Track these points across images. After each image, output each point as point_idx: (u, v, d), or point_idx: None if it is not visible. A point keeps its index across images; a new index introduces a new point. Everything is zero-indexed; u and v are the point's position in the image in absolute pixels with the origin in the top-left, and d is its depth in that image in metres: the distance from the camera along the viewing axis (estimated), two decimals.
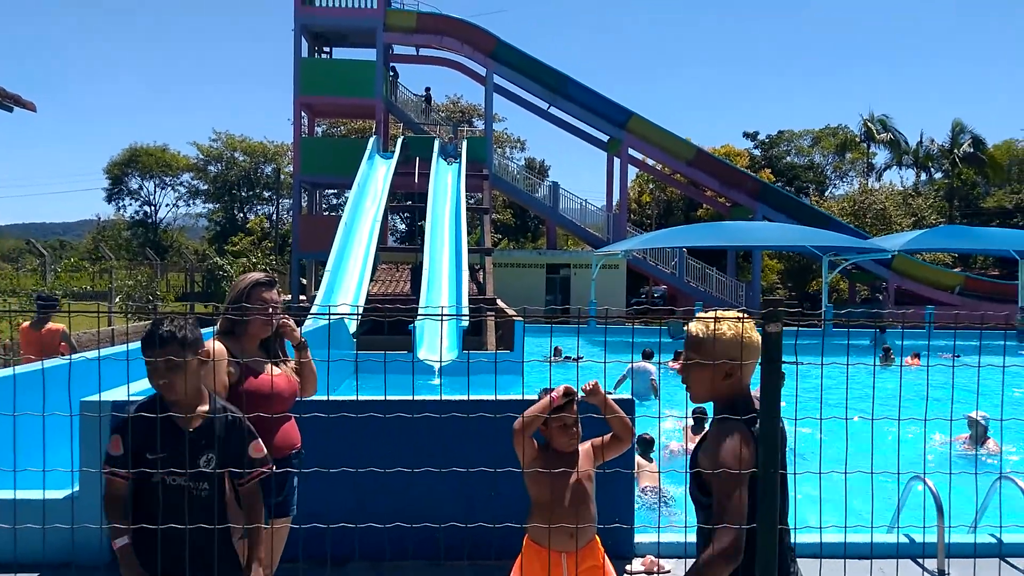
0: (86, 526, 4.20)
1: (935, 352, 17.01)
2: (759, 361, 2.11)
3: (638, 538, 4.61)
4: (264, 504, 2.84)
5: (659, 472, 6.59)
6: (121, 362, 5.21)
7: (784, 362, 2.07)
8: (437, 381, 11.48)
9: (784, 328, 2.05)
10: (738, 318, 2.24)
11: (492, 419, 3.18)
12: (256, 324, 2.93)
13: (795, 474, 2.30)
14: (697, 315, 2.29)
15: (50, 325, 7.17)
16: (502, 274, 25.70)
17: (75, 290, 22.59)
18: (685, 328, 2.32)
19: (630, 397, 4.70)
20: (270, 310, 2.95)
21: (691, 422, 7.75)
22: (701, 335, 2.24)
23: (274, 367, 2.99)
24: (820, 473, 2.47)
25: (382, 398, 3.91)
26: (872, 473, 2.54)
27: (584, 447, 2.99)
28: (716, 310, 2.27)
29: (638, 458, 8.10)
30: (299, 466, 3.04)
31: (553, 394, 2.90)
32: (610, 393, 3.31)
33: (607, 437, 2.98)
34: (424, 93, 31.94)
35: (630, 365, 10.64)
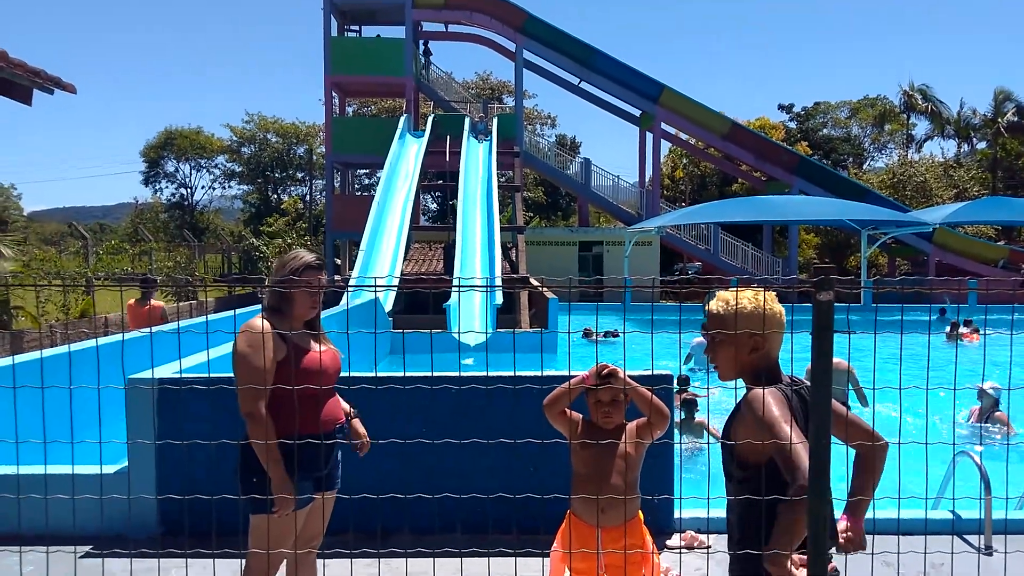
0: (143, 496, 4.34)
1: (990, 326, 16.70)
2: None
3: (679, 513, 4.58)
4: (312, 477, 2.91)
5: (707, 442, 6.51)
6: (166, 341, 5.34)
7: (837, 331, 1.97)
8: (469, 360, 11.52)
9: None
10: (757, 293, 2.21)
11: (538, 393, 3.18)
12: (302, 307, 2.95)
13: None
14: (716, 292, 2.27)
15: (152, 302, 8.30)
16: (534, 252, 25.63)
17: (116, 272, 23.03)
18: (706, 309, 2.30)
19: (667, 373, 4.60)
20: (314, 295, 2.96)
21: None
22: (721, 312, 2.21)
23: (320, 344, 3.03)
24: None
25: (428, 374, 3.90)
26: (927, 444, 2.50)
27: (631, 425, 2.98)
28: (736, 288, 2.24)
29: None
30: (344, 439, 3.09)
31: (584, 373, 2.89)
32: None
33: (643, 420, 2.95)
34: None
35: (694, 341, 10.77)
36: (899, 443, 2.61)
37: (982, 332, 15.17)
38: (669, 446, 4.39)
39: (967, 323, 15.85)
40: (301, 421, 2.81)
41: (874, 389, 2.56)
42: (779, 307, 2.18)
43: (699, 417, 7.11)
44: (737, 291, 2.21)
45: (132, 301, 8.58)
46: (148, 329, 5.50)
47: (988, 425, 7.75)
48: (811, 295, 1.93)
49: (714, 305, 2.23)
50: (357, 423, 3.20)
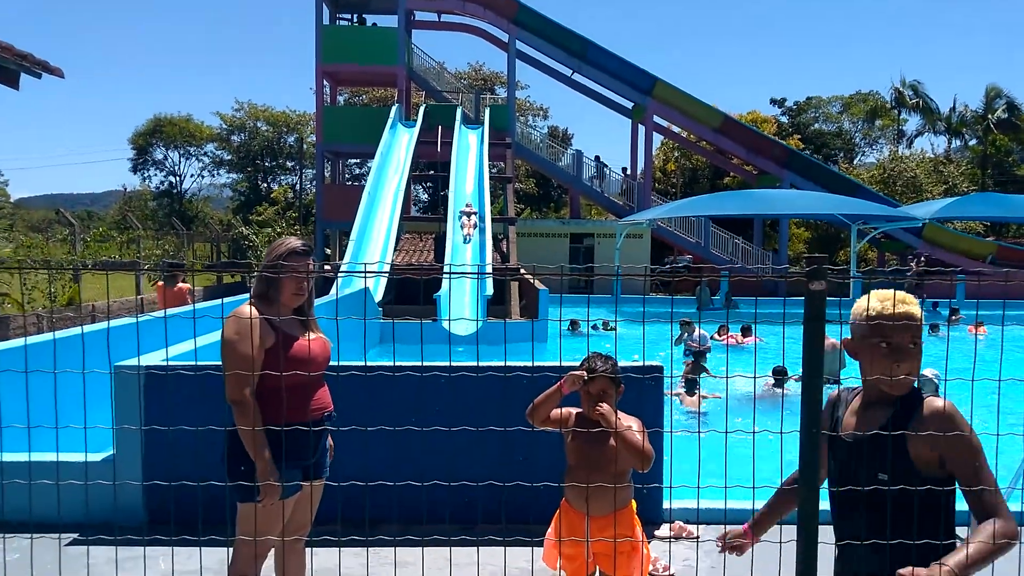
0: (128, 483, 4.33)
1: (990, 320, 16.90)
2: (806, 320, 2.00)
3: (668, 503, 4.59)
4: (300, 466, 2.90)
5: (699, 432, 6.61)
6: (154, 329, 5.28)
7: (829, 321, 1.96)
8: (461, 349, 11.50)
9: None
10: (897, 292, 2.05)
11: (528, 383, 3.16)
12: (287, 293, 2.93)
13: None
14: (877, 293, 2.06)
15: (180, 284, 8.98)
16: (525, 244, 25.60)
17: (103, 259, 22.85)
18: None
19: (658, 364, 4.65)
20: (301, 281, 2.94)
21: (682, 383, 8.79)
22: (916, 313, 2.01)
23: (309, 331, 3.01)
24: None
25: (419, 363, 3.86)
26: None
27: (627, 420, 2.95)
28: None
29: (682, 394, 8.98)
30: (332, 427, 3.09)
31: (563, 382, 2.86)
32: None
33: (630, 432, 2.88)
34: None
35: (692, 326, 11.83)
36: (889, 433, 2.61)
37: (975, 326, 15.41)
38: (659, 435, 4.36)
39: (954, 311, 16.30)
40: (289, 409, 2.79)
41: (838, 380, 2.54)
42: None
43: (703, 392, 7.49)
44: (894, 292, 2.05)
45: (160, 283, 9.41)
46: (164, 311, 5.80)
47: None
48: (803, 284, 1.89)
49: (911, 308, 2.02)
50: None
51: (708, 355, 11.42)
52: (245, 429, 2.73)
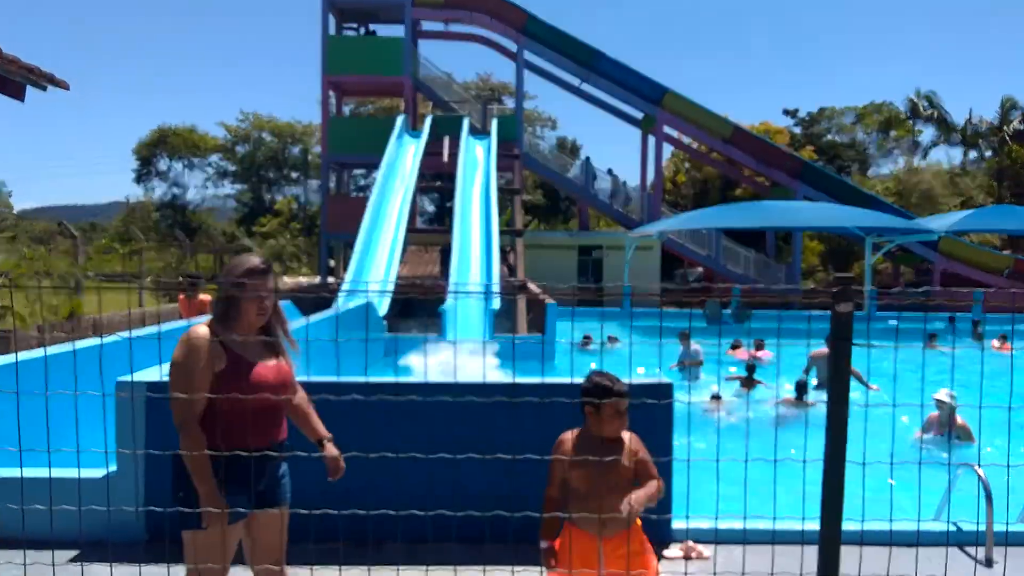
0: (123, 509, 4.31)
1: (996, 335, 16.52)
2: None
3: (677, 523, 4.52)
4: (244, 493, 2.82)
5: (716, 460, 6.43)
6: (149, 343, 5.19)
7: (855, 344, 2.01)
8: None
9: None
10: None
11: (537, 403, 3.21)
12: (251, 314, 2.85)
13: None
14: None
15: (201, 296, 9.21)
16: (533, 256, 25.23)
17: (106, 271, 22.60)
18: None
19: (668, 381, 4.61)
20: (262, 300, 2.85)
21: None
22: None
23: (268, 358, 2.92)
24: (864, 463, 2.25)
25: (422, 381, 3.80)
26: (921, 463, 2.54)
27: (629, 436, 2.95)
28: None
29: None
30: (284, 453, 3.00)
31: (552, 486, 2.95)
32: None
33: (641, 458, 2.95)
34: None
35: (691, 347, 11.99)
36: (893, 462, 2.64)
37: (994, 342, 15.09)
38: (667, 455, 4.30)
39: (975, 323, 16.74)
40: (235, 435, 2.76)
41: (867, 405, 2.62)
42: None
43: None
44: None
45: (182, 295, 9.72)
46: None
47: (955, 438, 7.59)
48: (829, 305, 1.94)
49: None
50: (330, 446, 3.08)
51: (702, 368, 12.04)
52: (188, 454, 2.71)
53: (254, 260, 2.90)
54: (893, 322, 17.57)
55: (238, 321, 2.85)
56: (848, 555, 2.60)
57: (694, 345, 12.02)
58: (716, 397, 9.32)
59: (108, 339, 6.01)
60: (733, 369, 11.28)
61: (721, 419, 8.89)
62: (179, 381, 2.76)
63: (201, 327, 2.82)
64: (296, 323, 10.14)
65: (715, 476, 2.36)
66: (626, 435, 2.95)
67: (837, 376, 1.92)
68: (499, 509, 2.92)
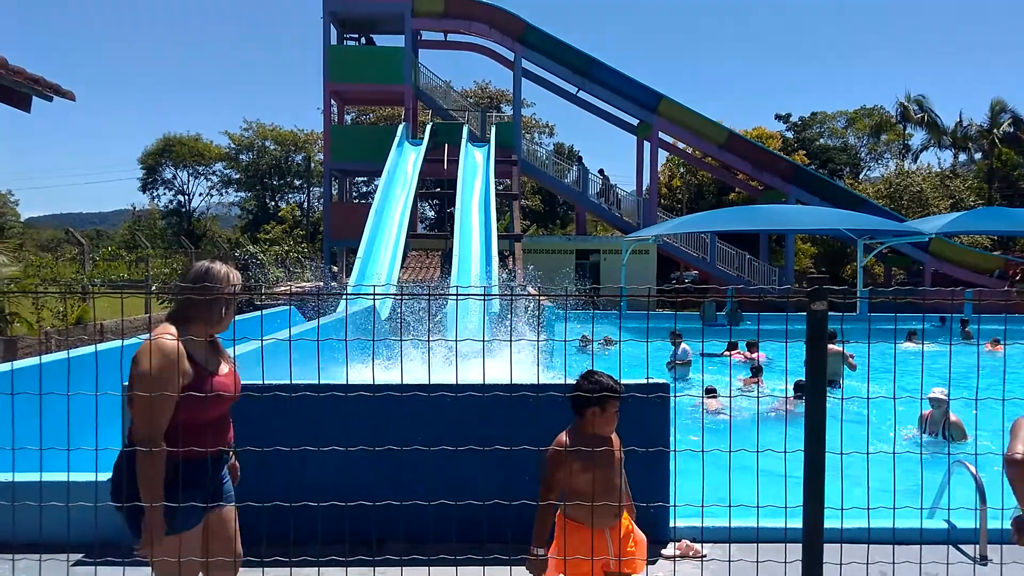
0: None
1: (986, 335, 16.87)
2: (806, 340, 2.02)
3: (674, 522, 4.55)
4: (196, 496, 2.70)
5: (701, 450, 6.69)
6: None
7: (837, 342, 2.07)
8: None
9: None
10: None
11: (534, 401, 3.16)
12: (217, 319, 2.80)
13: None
14: None
15: None
16: (532, 260, 25.60)
17: (112, 279, 22.96)
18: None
19: (664, 382, 4.65)
20: (229, 303, 2.82)
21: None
22: None
23: (222, 365, 2.87)
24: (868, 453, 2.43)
25: (425, 382, 3.85)
26: (921, 453, 2.49)
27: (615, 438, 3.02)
28: None
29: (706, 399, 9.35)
30: (226, 461, 2.95)
31: (542, 536, 2.91)
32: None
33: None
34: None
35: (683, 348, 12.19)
36: (894, 453, 2.64)
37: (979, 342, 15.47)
38: (664, 455, 4.37)
39: (964, 322, 16.77)
40: (192, 447, 2.65)
41: (868, 398, 2.57)
42: None
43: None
44: None
45: None
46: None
47: (951, 435, 7.63)
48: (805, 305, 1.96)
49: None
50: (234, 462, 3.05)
51: (690, 368, 12.18)
52: (144, 475, 2.52)
53: (218, 265, 2.85)
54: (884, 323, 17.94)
55: (197, 323, 2.75)
56: (849, 553, 2.65)
57: (683, 345, 12.26)
58: (711, 392, 9.50)
59: (128, 342, 6.22)
60: (741, 377, 11.30)
61: (720, 417, 9.00)
62: (152, 395, 2.55)
63: (167, 338, 2.65)
64: (302, 327, 10.60)
65: (717, 479, 2.33)
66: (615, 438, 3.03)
67: (814, 370, 1.91)
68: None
